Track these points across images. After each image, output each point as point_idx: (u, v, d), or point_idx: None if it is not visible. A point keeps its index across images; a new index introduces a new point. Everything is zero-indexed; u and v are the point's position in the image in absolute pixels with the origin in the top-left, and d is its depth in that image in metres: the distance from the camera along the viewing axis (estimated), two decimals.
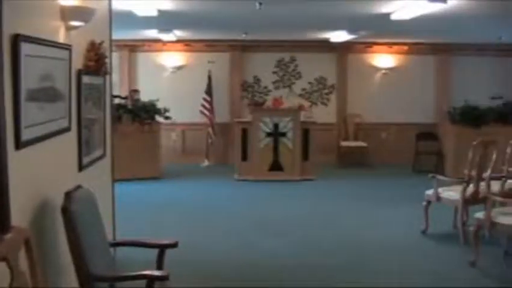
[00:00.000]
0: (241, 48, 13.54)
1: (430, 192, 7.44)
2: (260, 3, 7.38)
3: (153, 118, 11.46)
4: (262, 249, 6.80)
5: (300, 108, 12.02)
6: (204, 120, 13.01)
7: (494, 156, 7.01)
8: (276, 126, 11.40)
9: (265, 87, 13.70)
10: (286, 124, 11.41)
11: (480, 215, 6.14)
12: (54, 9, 3.99)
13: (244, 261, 6.33)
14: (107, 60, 5.19)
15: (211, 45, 13.45)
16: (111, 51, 5.79)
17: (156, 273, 3.68)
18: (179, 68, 13.59)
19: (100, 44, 4.88)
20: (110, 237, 4.90)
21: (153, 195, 10.04)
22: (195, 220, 8.23)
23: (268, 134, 11.40)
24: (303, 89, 13.76)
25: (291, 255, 6.56)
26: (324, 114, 13.51)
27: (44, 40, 3.68)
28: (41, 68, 3.65)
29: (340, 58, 13.78)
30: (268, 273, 5.95)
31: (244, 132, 11.52)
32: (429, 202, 7.44)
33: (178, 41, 12.85)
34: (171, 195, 10.04)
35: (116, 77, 9.66)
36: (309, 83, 13.79)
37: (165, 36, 11.77)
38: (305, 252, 6.66)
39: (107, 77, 5.55)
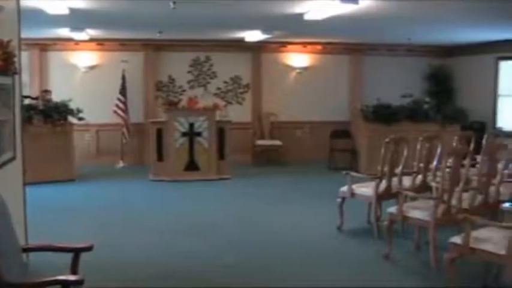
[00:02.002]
0: (156, 47, 13.42)
1: (344, 188, 7.58)
2: (174, 3, 7.33)
3: (65, 119, 11.19)
4: (178, 250, 6.74)
5: (215, 107, 12.00)
6: (118, 120, 12.80)
7: (405, 152, 7.25)
8: (191, 125, 11.35)
9: (180, 87, 13.62)
10: (201, 124, 11.38)
11: (393, 209, 6.33)
12: None
13: (160, 262, 6.25)
14: (16, 59, 5.02)
15: (124, 45, 13.25)
16: (20, 50, 5.60)
17: (71, 277, 3.59)
18: (92, 67, 13.32)
19: (8, 42, 4.72)
20: (22, 242, 4.74)
21: (67, 198, 9.80)
22: (110, 222, 8.08)
23: (184, 134, 11.35)
24: (218, 89, 13.77)
25: (207, 255, 6.52)
26: (239, 113, 13.54)
27: None
28: None
29: (254, 57, 13.87)
30: (185, 274, 5.91)
31: (159, 132, 11.41)
32: (344, 199, 7.57)
33: (91, 40, 12.60)
34: (86, 198, 9.84)
35: (26, 77, 9.37)
36: (224, 82, 13.81)
37: (77, 35, 11.52)
38: (221, 253, 6.63)
39: (16, 76, 5.37)
